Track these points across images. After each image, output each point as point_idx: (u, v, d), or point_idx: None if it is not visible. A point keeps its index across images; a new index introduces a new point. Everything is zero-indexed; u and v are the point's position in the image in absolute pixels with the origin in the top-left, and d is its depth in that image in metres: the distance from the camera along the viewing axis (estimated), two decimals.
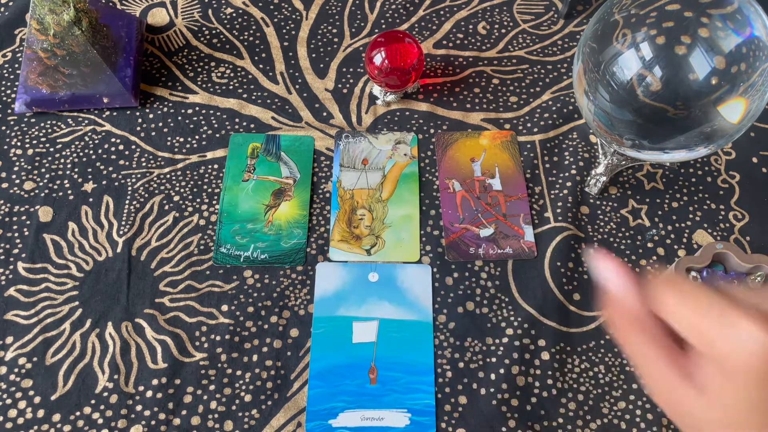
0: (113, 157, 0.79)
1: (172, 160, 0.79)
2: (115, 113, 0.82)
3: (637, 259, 0.73)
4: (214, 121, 0.82)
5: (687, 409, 0.30)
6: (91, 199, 0.76)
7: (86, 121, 0.81)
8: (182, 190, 0.77)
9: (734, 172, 0.80)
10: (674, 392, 0.30)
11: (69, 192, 0.76)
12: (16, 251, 0.72)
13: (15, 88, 0.83)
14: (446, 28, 0.91)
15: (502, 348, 0.68)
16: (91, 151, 0.79)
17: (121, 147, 0.79)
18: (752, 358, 0.26)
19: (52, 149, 0.79)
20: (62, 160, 0.78)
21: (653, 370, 0.31)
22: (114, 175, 0.77)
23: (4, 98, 0.83)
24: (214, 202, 0.76)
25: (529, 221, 0.75)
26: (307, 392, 0.65)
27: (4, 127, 0.80)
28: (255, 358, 0.67)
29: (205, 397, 0.65)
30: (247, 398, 0.65)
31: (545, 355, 0.67)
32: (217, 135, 0.81)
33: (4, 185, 0.76)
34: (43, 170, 0.77)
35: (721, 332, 0.27)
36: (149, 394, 0.64)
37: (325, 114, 0.83)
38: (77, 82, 0.79)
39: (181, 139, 0.80)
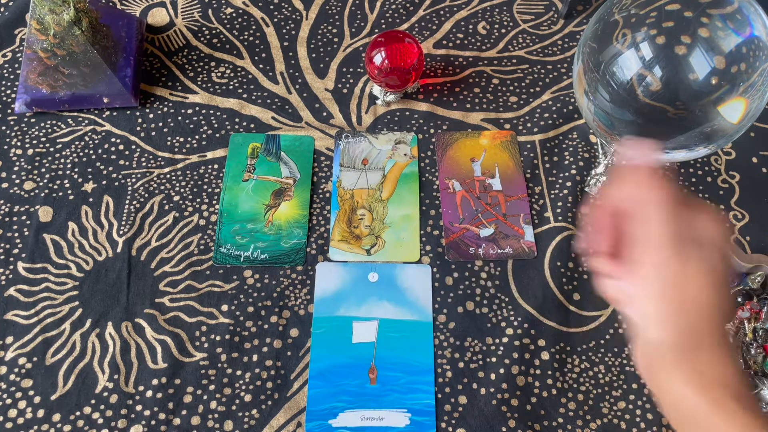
0: (113, 157, 0.79)
1: (172, 160, 0.79)
2: (115, 113, 0.82)
3: None
4: (214, 121, 0.82)
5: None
6: (91, 199, 0.76)
7: (86, 121, 0.81)
8: (182, 190, 0.77)
9: (734, 172, 0.80)
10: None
11: (69, 192, 0.76)
12: (16, 251, 0.72)
13: (15, 88, 0.83)
14: (446, 28, 0.91)
15: (502, 348, 0.68)
16: (91, 151, 0.79)
17: (121, 147, 0.79)
18: None
19: (52, 149, 0.79)
20: (62, 160, 0.78)
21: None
22: (114, 175, 0.77)
23: (4, 98, 0.83)
24: (214, 202, 0.76)
25: (529, 221, 0.75)
26: (307, 392, 0.65)
27: (4, 127, 0.80)
28: (255, 358, 0.67)
29: (205, 397, 0.65)
30: (247, 398, 0.65)
31: (545, 355, 0.67)
32: (217, 135, 0.81)
33: (4, 185, 0.76)
34: (43, 170, 0.77)
35: None
36: (149, 394, 0.64)
37: (325, 114, 0.83)
38: (77, 82, 0.79)
39: (181, 139, 0.80)
